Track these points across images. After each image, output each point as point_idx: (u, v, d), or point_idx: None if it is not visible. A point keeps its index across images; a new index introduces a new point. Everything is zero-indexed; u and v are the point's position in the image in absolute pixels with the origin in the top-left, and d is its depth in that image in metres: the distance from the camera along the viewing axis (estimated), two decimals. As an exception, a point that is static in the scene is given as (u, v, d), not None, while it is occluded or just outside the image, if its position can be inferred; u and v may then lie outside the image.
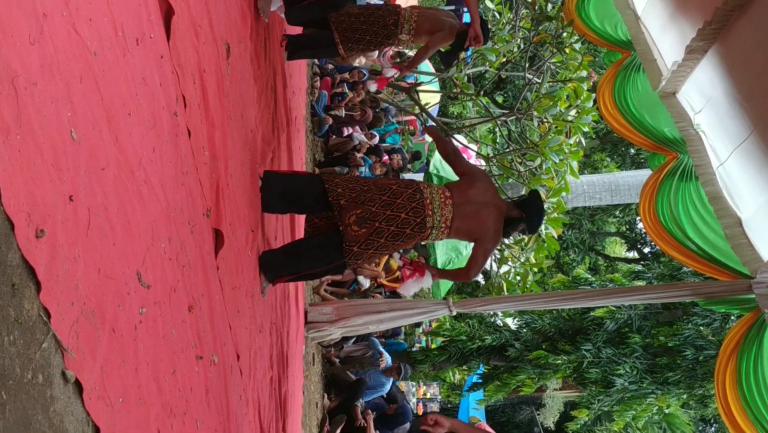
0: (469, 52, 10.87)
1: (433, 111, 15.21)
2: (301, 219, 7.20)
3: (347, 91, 12.15)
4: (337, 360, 10.72)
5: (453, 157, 5.46)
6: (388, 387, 10.78)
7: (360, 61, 13.36)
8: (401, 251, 6.06)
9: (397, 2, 12.22)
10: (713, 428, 22.42)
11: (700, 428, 21.51)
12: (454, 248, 12.44)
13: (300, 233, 7.09)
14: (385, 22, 6.38)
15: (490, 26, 10.75)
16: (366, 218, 4.88)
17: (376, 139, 13.17)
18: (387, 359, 10.89)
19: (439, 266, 11.96)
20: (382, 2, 12.07)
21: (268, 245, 5.52)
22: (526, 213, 5.29)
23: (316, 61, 11.85)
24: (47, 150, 2.05)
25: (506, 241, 10.11)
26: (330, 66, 12.42)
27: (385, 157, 13.20)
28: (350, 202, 4.95)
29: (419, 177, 14.53)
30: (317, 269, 5.24)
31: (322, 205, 5.07)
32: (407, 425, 10.56)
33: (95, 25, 2.45)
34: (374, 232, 4.88)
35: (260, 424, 4.88)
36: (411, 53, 6.92)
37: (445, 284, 12.66)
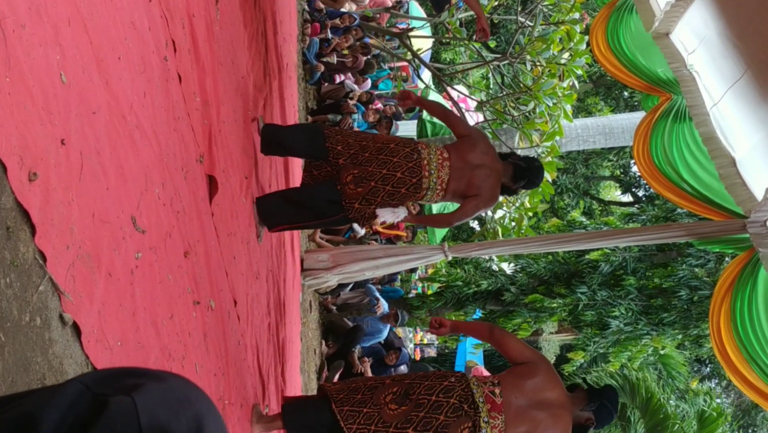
0: None
1: (426, 57, 15.11)
2: (295, 166, 7.19)
3: (330, 36, 12.00)
4: (334, 307, 10.78)
5: (450, 119, 5.39)
6: (385, 333, 10.85)
7: (350, 6, 13.23)
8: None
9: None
10: (708, 368, 22.67)
11: (695, 368, 21.75)
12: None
13: (294, 182, 7.09)
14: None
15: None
16: (362, 178, 4.88)
17: (368, 84, 13.07)
18: (384, 306, 10.95)
19: (434, 212, 11.99)
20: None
21: (262, 192, 5.51)
22: (528, 179, 5.22)
23: (306, 6, 11.73)
24: (37, 93, 2.04)
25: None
26: (321, 5, 12.26)
27: (378, 104, 13.14)
28: (348, 162, 4.95)
29: (413, 124, 14.48)
30: (317, 221, 5.24)
31: (321, 156, 5.07)
32: (403, 367, 10.65)
33: (82, -33, 2.42)
34: (370, 190, 4.89)
35: (259, 369, 4.92)
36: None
37: (441, 231, 12.69)
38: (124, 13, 2.79)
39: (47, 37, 2.14)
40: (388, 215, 5.03)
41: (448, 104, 13.29)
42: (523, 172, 5.17)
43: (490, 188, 5.03)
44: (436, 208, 12.00)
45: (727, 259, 10.46)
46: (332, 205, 4.98)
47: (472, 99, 12.61)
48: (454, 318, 14.08)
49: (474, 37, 6.10)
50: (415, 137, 13.88)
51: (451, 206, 12.50)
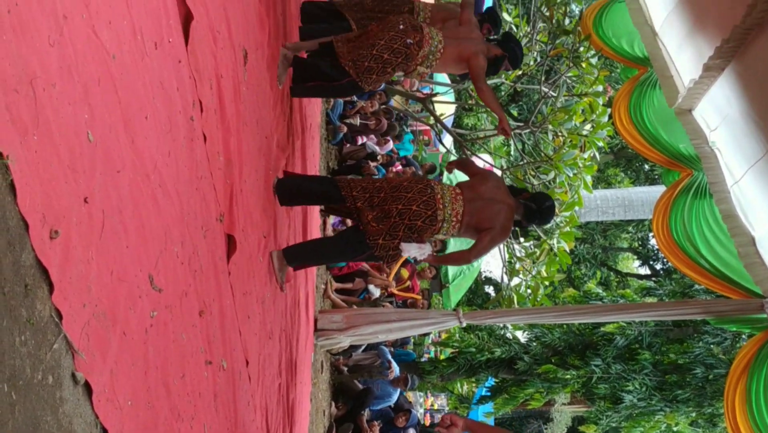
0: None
1: (448, 122, 15.22)
2: (313, 224, 7.22)
3: (356, 99, 12.12)
4: (346, 368, 10.71)
5: (466, 167, 5.59)
6: (395, 398, 10.77)
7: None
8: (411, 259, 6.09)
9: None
10: (721, 447, 22.26)
11: (709, 447, 21.37)
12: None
13: (313, 235, 7.15)
14: (404, 41, 5.72)
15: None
16: (382, 217, 5.02)
17: (390, 145, 13.17)
18: (395, 369, 10.88)
19: (450, 276, 11.98)
20: None
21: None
22: (540, 218, 5.37)
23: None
24: (64, 151, 2.06)
25: (518, 254, 10.09)
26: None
27: (399, 167, 13.20)
28: (366, 205, 5.07)
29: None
30: (344, 257, 5.42)
31: (337, 201, 5.23)
32: (412, 431, 10.55)
33: (115, 28, 2.46)
34: (391, 227, 5.05)
35: (267, 430, 4.88)
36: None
37: (456, 295, 12.66)
38: (154, 73, 2.82)
39: (77, 96, 2.16)
40: (413, 251, 5.13)
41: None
42: (533, 212, 5.33)
43: (504, 221, 5.20)
44: (452, 244, 12.00)
45: (743, 338, 10.36)
46: (357, 246, 5.17)
47: (494, 167, 12.66)
48: (465, 385, 13.94)
49: (496, 131, 6.28)
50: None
51: (467, 268, 12.49)
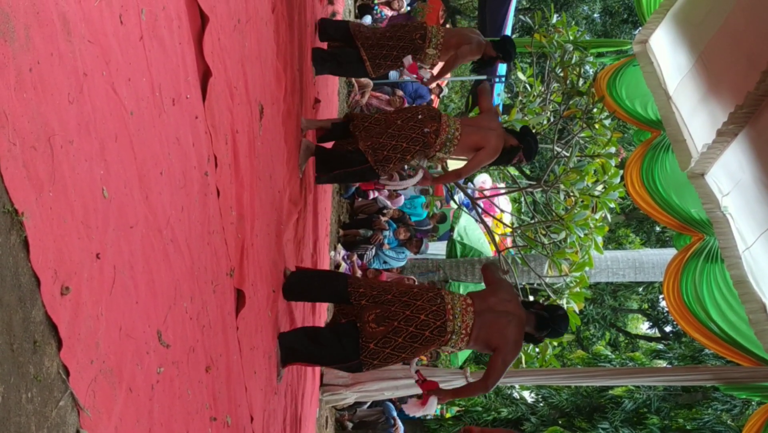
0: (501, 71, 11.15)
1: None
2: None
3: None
4: (350, 424, 10.61)
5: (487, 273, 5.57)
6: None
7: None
8: (418, 361, 5.90)
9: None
10: None
11: None
12: None
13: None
14: (411, 37, 6.54)
15: (521, 98, 10.84)
16: (385, 317, 4.85)
17: (401, 200, 13.20)
18: (400, 427, 10.78)
19: (459, 362, 11.94)
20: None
21: (288, 306, 5.51)
22: (552, 329, 5.20)
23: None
24: (78, 207, 2.07)
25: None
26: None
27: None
28: (371, 302, 4.96)
29: (443, 244, 14.51)
30: (333, 365, 5.23)
31: (343, 300, 5.11)
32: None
33: (134, 84, 2.48)
34: (392, 330, 4.83)
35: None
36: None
37: (463, 353, 12.56)
38: (170, 129, 2.84)
39: (93, 153, 2.18)
40: (417, 411, 5.15)
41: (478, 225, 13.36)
42: (546, 322, 5.13)
43: (515, 336, 4.97)
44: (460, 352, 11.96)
45: (753, 405, 10.24)
46: (348, 350, 4.94)
47: (500, 187, 12.65)
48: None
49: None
50: (445, 257, 13.91)
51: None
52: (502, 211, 13.07)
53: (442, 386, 5.46)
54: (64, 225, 1.99)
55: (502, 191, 13.58)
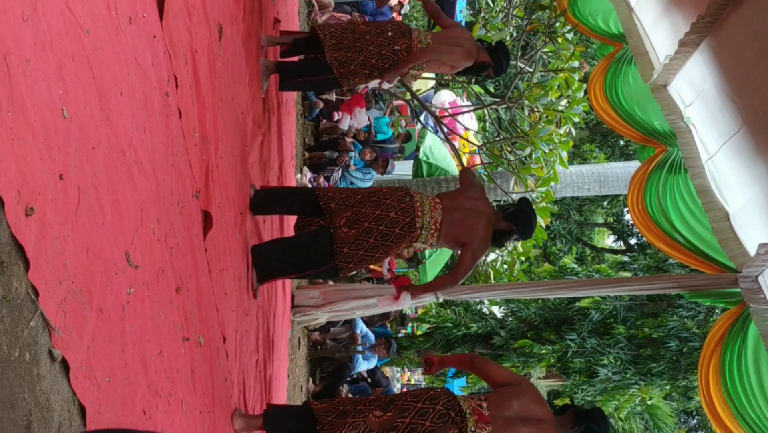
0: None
1: (426, 97, 15.18)
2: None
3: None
4: (324, 343, 10.71)
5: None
6: (374, 362, 10.80)
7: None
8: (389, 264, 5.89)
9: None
10: (695, 420, 22.54)
11: (682, 419, 21.63)
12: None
13: (289, 221, 7.11)
14: (393, 48, 5.75)
15: (483, 14, 10.76)
16: (355, 219, 4.89)
17: (364, 119, 13.09)
18: (370, 337, 10.90)
19: (426, 253, 11.99)
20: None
21: (256, 228, 5.51)
22: (516, 226, 5.20)
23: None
24: (38, 128, 2.04)
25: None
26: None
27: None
28: (340, 206, 4.98)
29: (409, 164, 14.51)
30: (308, 271, 5.23)
31: (312, 208, 5.11)
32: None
33: (88, 3, 2.44)
34: (363, 231, 4.88)
35: (245, 406, 4.88)
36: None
37: (432, 270, 12.69)
38: (128, 49, 2.80)
39: (51, 72, 2.14)
40: (387, 305, 5.17)
41: (445, 145, 13.34)
42: (514, 213, 5.17)
43: (483, 232, 5.02)
44: (429, 256, 12.03)
45: (717, 312, 10.47)
46: (322, 256, 4.99)
47: (465, 106, 12.62)
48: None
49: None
50: (411, 177, 13.93)
51: (443, 252, 12.50)
52: (467, 129, 13.04)
53: (414, 300, 5.53)
54: (25, 146, 1.97)
55: (466, 110, 13.54)
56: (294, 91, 7.24)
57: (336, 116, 12.13)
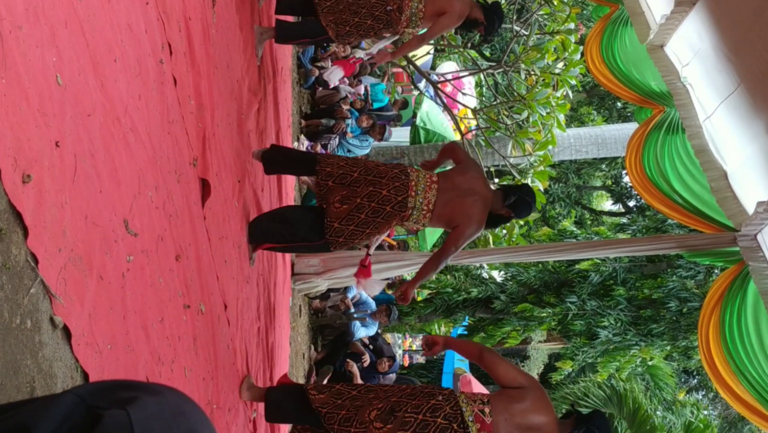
0: None
1: (425, 65, 15.13)
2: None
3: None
4: (327, 310, 10.72)
5: (454, 153, 5.43)
6: (374, 329, 10.82)
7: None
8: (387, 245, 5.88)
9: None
10: (695, 380, 22.69)
11: (683, 379, 21.78)
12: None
13: (287, 186, 7.11)
14: (384, 7, 5.77)
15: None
16: (349, 196, 4.89)
17: (362, 88, 13.05)
18: (370, 304, 10.92)
19: (428, 246, 12.03)
20: None
21: (255, 196, 5.51)
22: (515, 212, 5.15)
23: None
24: (33, 95, 2.04)
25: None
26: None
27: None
28: (337, 183, 4.97)
29: (406, 130, 14.47)
30: (299, 243, 5.23)
31: (313, 171, 5.12)
32: (393, 376, 10.63)
33: (80, -31, 2.42)
34: (355, 207, 4.88)
35: (248, 373, 4.91)
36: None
37: (431, 237, 12.69)
38: (121, 16, 2.78)
39: (44, 39, 2.13)
40: (371, 287, 5.19)
41: (442, 112, 13.31)
42: (512, 202, 5.06)
43: (477, 215, 4.96)
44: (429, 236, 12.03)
45: (716, 271, 10.50)
46: (312, 229, 5.01)
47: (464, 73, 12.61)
48: (443, 325, 14.03)
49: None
50: (409, 143, 13.90)
51: (439, 232, 12.51)
52: (464, 94, 13.00)
53: (413, 269, 5.50)
54: (20, 113, 1.96)
55: (463, 74, 13.49)
56: (290, 44, 7.34)
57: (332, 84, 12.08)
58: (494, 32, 6.19)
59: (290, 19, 6.51)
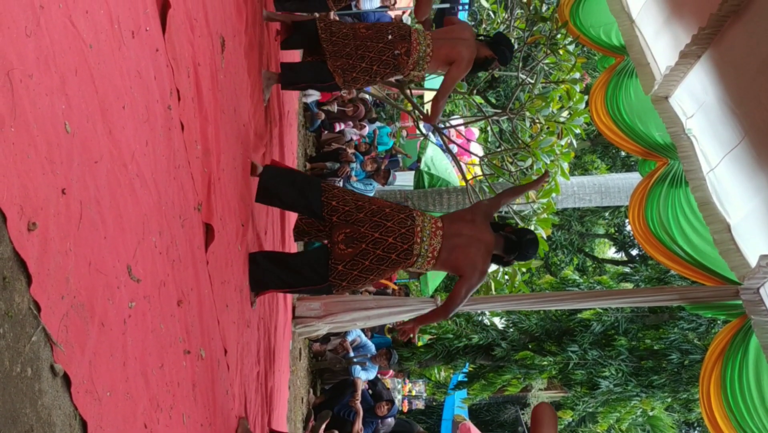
0: None
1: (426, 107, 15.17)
2: (291, 215, 7.20)
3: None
4: (327, 353, 10.69)
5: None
6: (373, 373, 10.77)
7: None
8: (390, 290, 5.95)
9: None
10: (696, 432, 22.49)
11: (684, 431, 21.58)
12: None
13: (290, 226, 7.10)
14: (393, 52, 5.82)
15: (485, 25, 10.78)
16: (354, 238, 4.88)
17: (366, 130, 13.14)
18: (370, 348, 10.88)
19: (430, 291, 12.02)
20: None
21: (258, 239, 5.51)
22: (518, 254, 5.19)
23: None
24: (41, 143, 2.05)
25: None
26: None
27: (374, 154, 13.17)
28: (341, 220, 4.96)
29: (410, 175, 14.52)
30: (303, 287, 5.22)
31: (314, 215, 5.11)
32: (392, 420, 10.57)
33: (92, 17, 2.44)
34: (360, 253, 4.87)
35: (246, 418, 4.88)
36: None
37: (433, 281, 12.69)
38: (131, 63, 2.80)
39: (54, 87, 2.15)
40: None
41: (448, 156, 13.35)
42: (514, 246, 5.14)
43: (480, 265, 5.00)
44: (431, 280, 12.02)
45: (719, 324, 10.45)
46: (316, 272, 5.00)
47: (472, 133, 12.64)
48: (443, 371, 13.95)
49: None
50: (412, 188, 13.94)
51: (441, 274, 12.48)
52: (468, 140, 13.04)
53: (414, 315, 5.52)
54: (28, 161, 1.97)
55: (468, 121, 13.55)
56: (294, 90, 7.42)
57: (338, 127, 12.16)
58: (509, 61, 6.23)
59: (297, 55, 6.54)
